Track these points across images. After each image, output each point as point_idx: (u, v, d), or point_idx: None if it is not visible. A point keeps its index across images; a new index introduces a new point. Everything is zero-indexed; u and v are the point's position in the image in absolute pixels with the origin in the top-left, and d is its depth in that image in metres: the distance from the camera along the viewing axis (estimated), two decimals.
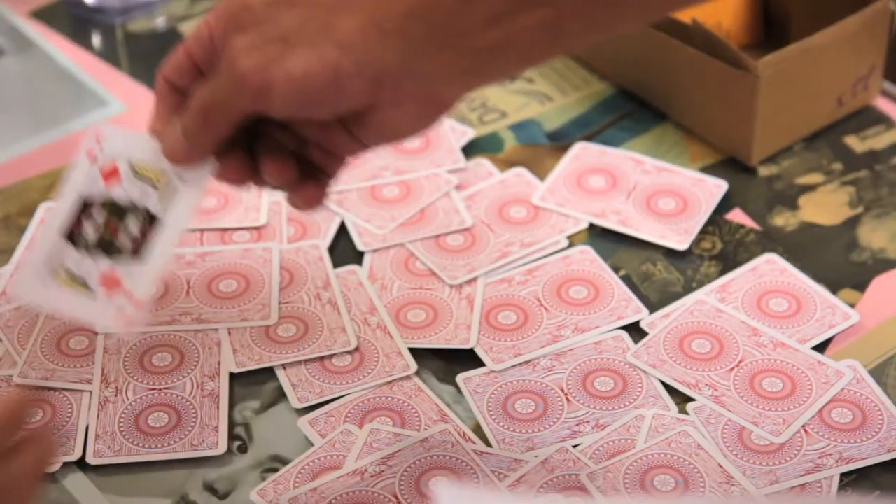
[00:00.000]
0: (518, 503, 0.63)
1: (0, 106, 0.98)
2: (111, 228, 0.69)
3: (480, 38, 0.63)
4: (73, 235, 0.69)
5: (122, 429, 0.76)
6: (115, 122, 0.70)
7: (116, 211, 0.69)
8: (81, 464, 0.75)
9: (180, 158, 0.69)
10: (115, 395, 0.78)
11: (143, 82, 0.99)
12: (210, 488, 0.75)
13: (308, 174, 0.71)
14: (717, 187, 0.90)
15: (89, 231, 0.69)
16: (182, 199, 0.69)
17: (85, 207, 0.70)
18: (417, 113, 0.68)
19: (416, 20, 0.63)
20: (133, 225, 0.69)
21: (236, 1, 0.67)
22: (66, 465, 0.75)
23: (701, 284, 0.85)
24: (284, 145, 0.70)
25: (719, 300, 0.83)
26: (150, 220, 0.69)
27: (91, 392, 0.78)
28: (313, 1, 0.65)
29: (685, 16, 0.91)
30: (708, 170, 0.92)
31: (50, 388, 0.78)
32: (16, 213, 0.90)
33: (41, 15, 1.04)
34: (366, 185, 0.90)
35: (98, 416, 0.77)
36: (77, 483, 0.75)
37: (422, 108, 0.67)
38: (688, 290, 0.85)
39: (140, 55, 1.02)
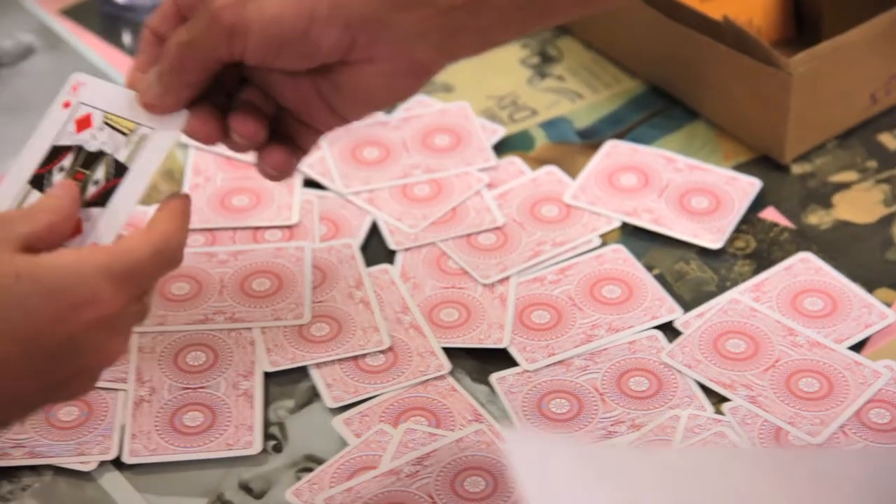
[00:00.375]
0: (585, 449, 0.61)
1: (31, 104, 0.98)
2: (78, 176, 0.69)
3: None
4: (39, 181, 0.69)
5: (157, 428, 0.76)
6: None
7: (85, 159, 0.70)
8: (118, 463, 0.76)
9: (153, 103, 0.69)
10: (151, 395, 0.78)
11: None
12: (245, 488, 0.75)
13: (280, 143, 0.71)
14: (751, 185, 0.90)
15: (56, 177, 0.69)
16: (151, 149, 0.69)
17: (55, 154, 0.70)
18: (392, 74, 0.68)
19: None
20: (100, 173, 0.69)
21: None
22: (102, 464, 0.75)
23: (735, 283, 0.85)
24: (259, 108, 0.70)
25: (753, 299, 0.83)
26: (117, 170, 0.69)
27: (126, 391, 0.78)
28: None
29: (716, 13, 0.91)
30: (741, 168, 0.92)
31: None
32: None
33: (72, 13, 1.04)
34: (397, 183, 0.90)
35: (134, 415, 0.77)
36: (113, 482, 0.75)
37: (397, 68, 0.67)
38: (722, 289, 0.84)
39: None
